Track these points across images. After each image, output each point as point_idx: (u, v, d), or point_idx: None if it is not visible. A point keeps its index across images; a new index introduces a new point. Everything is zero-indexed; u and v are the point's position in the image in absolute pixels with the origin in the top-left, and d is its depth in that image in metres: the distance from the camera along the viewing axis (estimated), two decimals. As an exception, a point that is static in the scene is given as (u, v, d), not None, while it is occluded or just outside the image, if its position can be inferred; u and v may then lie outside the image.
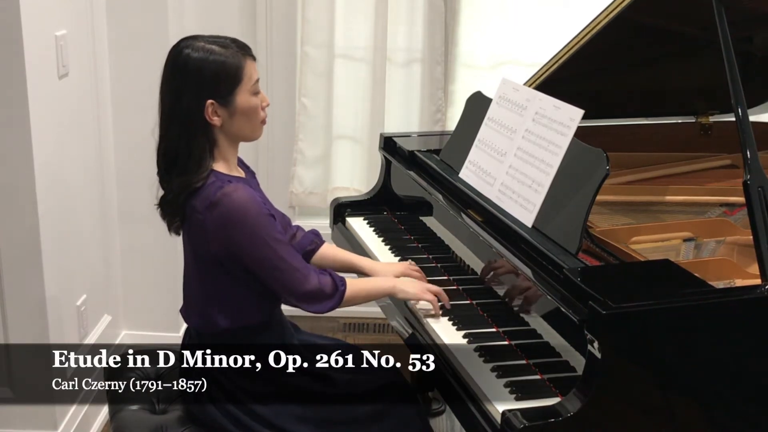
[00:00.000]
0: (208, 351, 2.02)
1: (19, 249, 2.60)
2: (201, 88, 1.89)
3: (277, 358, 2.06)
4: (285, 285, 1.97)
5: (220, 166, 1.98)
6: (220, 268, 1.97)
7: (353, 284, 2.06)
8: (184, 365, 2.09)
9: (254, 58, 1.96)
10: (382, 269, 2.28)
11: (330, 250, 2.34)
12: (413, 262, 2.35)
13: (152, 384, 2.26)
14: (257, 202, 1.94)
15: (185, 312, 2.10)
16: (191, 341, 2.10)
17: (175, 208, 1.97)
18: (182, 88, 1.90)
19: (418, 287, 2.14)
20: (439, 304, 2.14)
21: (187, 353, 2.07)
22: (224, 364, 2.01)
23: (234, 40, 1.95)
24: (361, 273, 2.32)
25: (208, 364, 2.02)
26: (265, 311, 2.06)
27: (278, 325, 2.11)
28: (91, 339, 3.09)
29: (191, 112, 1.90)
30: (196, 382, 2.04)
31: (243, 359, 2.02)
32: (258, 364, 2.02)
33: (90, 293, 3.07)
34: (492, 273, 2.15)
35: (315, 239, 2.32)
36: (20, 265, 2.61)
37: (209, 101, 1.90)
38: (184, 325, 3.53)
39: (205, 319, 2.03)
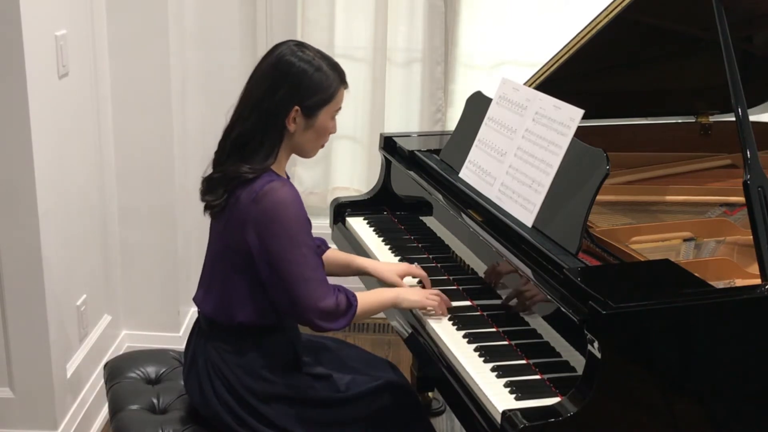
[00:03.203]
0: (220, 346, 2.03)
1: (19, 249, 2.60)
2: (295, 93, 1.95)
3: (286, 361, 2.07)
4: (305, 296, 1.95)
5: (274, 167, 2.01)
6: (250, 262, 1.97)
7: (362, 300, 2.05)
8: (190, 358, 2.10)
9: (347, 87, 2.04)
10: (384, 269, 2.28)
11: (332, 254, 2.34)
12: (419, 265, 2.34)
13: (152, 384, 2.27)
14: (301, 204, 1.96)
15: (201, 300, 2.09)
16: (201, 333, 2.09)
17: (220, 188, 1.98)
18: (279, 87, 1.96)
19: (420, 294, 2.13)
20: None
21: (194, 344, 2.08)
22: (232, 360, 2.02)
23: (336, 65, 2.02)
24: (364, 273, 2.32)
25: (215, 359, 2.03)
26: (281, 314, 2.06)
27: (289, 329, 2.11)
28: (91, 339, 3.09)
29: (277, 110, 1.96)
30: (201, 377, 2.04)
31: (251, 357, 2.02)
32: (265, 364, 2.03)
33: (90, 293, 3.07)
34: (494, 275, 2.15)
35: (321, 245, 2.32)
36: (20, 265, 2.61)
37: (296, 107, 1.96)
38: (184, 325, 3.56)
39: (223, 311, 2.03)
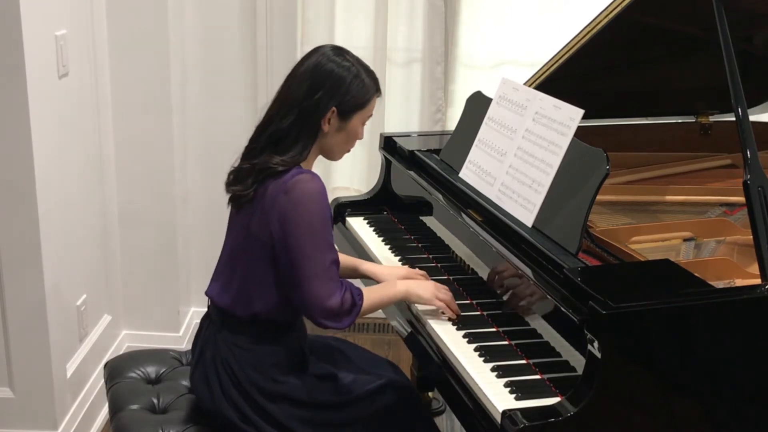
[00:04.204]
0: (231, 340, 2.04)
1: (19, 249, 2.60)
2: (335, 95, 2.02)
3: (295, 361, 2.08)
4: (314, 292, 1.96)
5: (303, 164, 2.05)
6: (273, 252, 1.98)
7: (367, 296, 2.06)
8: (198, 353, 2.10)
9: (380, 95, 2.12)
10: (385, 272, 2.28)
11: None
12: (418, 267, 2.33)
13: (152, 384, 2.27)
14: (326, 200, 1.99)
15: (218, 293, 2.10)
16: (211, 327, 2.10)
17: (249, 179, 2.01)
18: (319, 88, 2.01)
19: (429, 292, 2.12)
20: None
21: (203, 339, 2.10)
22: (242, 356, 2.03)
23: (372, 72, 2.09)
24: (364, 277, 2.32)
25: (224, 353, 2.03)
26: (295, 311, 2.06)
27: (300, 329, 2.12)
28: (91, 339, 3.09)
29: (316, 110, 2.01)
30: (208, 370, 2.05)
31: (262, 354, 2.03)
32: (274, 362, 2.04)
33: (90, 293, 3.07)
34: (494, 275, 2.15)
35: None
36: (20, 265, 2.62)
37: (334, 108, 2.01)
38: (184, 325, 3.56)
39: (242, 302, 2.04)
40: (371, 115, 2.11)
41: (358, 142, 2.15)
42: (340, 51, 2.07)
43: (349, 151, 2.14)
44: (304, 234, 1.94)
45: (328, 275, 1.97)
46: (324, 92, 2.00)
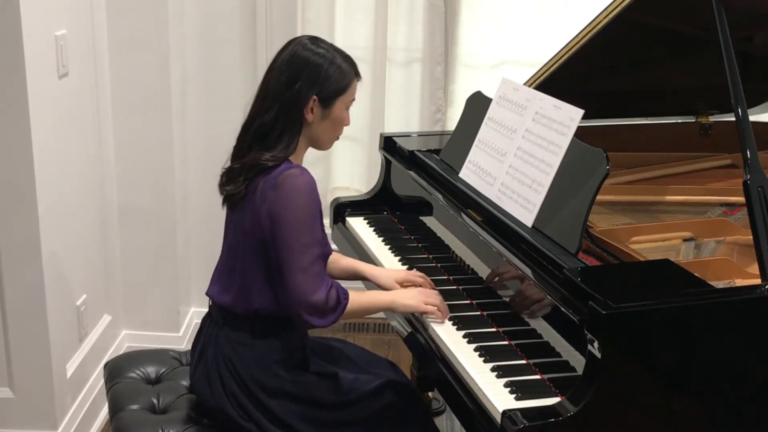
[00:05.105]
0: (233, 337, 2.05)
1: (19, 248, 2.60)
2: (314, 83, 2.02)
3: (296, 358, 2.08)
4: (298, 287, 1.96)
5: (293, 158, 2.05)
6: (267, 247, 1.99)
7: (354, 299, 2.06)
8: (198, 352, 2.11)
9: (360, 78, 2.11)
10: (383, 274, 2.28)
11: (333, 257, 2.34)
12: (418, 271, 2.33)
13: (152, 384, 2.27)
14: (315, 194, 1.99)
15: (218, 292, 2.10)
16: (212, 326, 2.10)
17: (240, 177, 2.01)
18: (297, 78, 2.01)
19: (416, 299, 2.12)
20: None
21: (204, 337, 2.10)
22: (245, 352, 2.03)
23: (348, 57, 2.09)
24: (364, 278, 2.32)
25: (227, 351, 2.04)
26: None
27: (301, 326, 2.11)
28: (91, 339, 3.09)
29: (297, 100, 2.01)
30: (210, 368, 2.05)
31: (264, 351, 2.04)
32: (277, 359, 2.05)
33: (90, 293, 3.07)
34: (494, 275, 2.15)
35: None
36: (20, 265, 2.61)
37: (314, 97, 2.01)
38: (184, 325, 3.56)
39: (242, 298, 2.05)
40: (354, 100, 2.11)
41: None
42: (314, 40, 2.07)
43: (337, 138, 2.13)
44: (292, 227, 1.95)
45: (314, 270, 1.97)
46: (303, 81, 2.01)
